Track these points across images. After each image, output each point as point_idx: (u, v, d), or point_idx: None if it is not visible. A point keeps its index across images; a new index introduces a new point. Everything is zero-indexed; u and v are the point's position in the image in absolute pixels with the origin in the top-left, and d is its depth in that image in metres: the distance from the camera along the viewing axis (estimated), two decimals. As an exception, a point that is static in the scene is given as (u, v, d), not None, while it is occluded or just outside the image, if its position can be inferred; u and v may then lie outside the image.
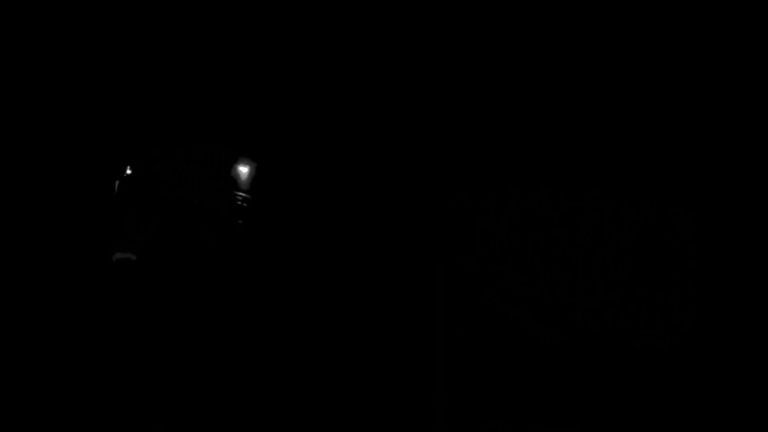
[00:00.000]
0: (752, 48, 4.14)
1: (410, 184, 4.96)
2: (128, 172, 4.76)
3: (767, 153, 4.05)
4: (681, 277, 4.23)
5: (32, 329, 4.11)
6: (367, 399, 4.17)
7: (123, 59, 4.96)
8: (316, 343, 4.58)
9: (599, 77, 4.59)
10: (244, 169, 5.74)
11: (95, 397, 3.75)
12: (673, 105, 4.37)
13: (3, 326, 4.05)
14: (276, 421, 3.93)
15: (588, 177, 4.54)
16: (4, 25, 4.37)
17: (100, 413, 3.65)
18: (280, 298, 4.99)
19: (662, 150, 4.37)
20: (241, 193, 5.70)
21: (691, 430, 3.95)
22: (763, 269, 4.01)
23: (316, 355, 4.49)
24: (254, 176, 5.75)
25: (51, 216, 4.40)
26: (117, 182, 4.70)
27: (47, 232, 4.42)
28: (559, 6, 4.69)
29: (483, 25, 4.90)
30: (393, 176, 5.01)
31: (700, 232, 4.20)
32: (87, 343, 4.18)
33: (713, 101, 4.25)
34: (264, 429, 3.86)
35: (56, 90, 4.50)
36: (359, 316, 4.75)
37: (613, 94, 4.55)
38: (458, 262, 4.73)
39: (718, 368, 4.04)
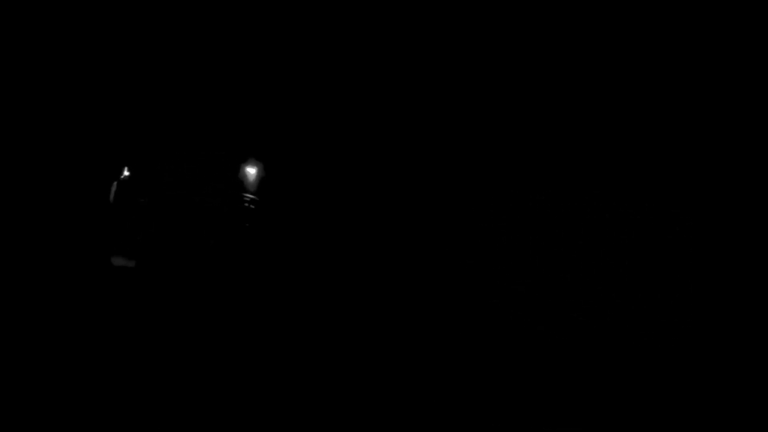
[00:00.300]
0: (752, 48, 4.13)
1: (411, 184, 4.97)
2: (126, 173, 4.76)
3: (767, 153, 4.05)
4: (681, 277, 4.22)
5: (31, 332, 4.13)
6: (367, 399, 4.19)
7: (127, 59, 4.98)
8: (317, 342, 4.60)
9: (599, 78, 4.59)
10: (251, 171, 5.76)
11: (96, 398, 3.78)
12: (673, 105, 4.37)
13: (2, 329, 4.08)
14: (276, 421, 3.95)
15: (588, 177, 4.54)
16: (4, 25, 4.39)
17: (102, 414, 3.68)
18: (282, 298, 5.01)
19: (662, 150, 4.36)
20: (248, 195, 5.72)
21: (691, 430, 3.95)
22: (763, 269, 4.00)
23: (318, 354, 4.51)
24: (262, 178, 5.77)
25: (47, 218, 4.41)
26: (114, 184, 4.70)
27: (43, 235, 4.43)
28: (559, 7, 4.69)
29: (484, 27, 4.91)
30: (394, 177, 5.02)
31: (700, 232, 4.20)
32: (87, 346, 4.20)
33: (713, 102, 4.25)
34: (264, 429, 3.88)
35: (54, 90, 4.51)
36: (360, 316, 4.77)
37: (613, 95, 4.55)
38: (458, 262, 4.74)
39: (718, 368, 4.03)
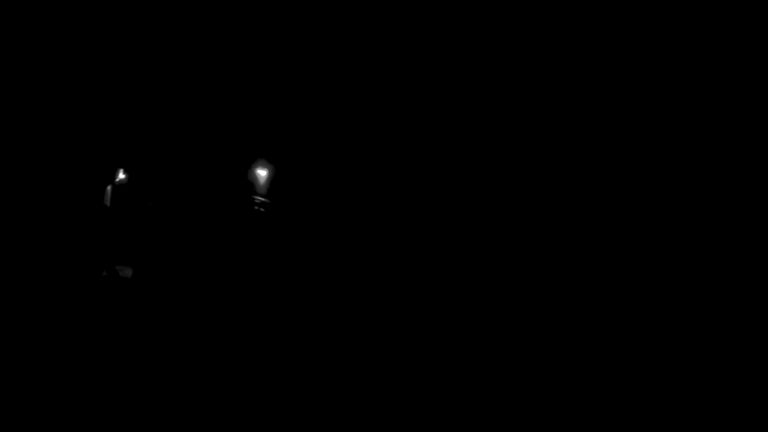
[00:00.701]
0: (752, 48, 4.08)
1: (412, 185, 5.02)
2: (121, 176, 4.83)
3: (767, 153, 3.99)
4: (681, 277, 4.19)
5: (30, 334, 4.20)
6: (368, 399, 4.24)
7: (140, 64, 5.10)
8: (317, 343, 4.67)
9: (599, 78, 4.58)
10: (262, 173, 5.84)
11: (98, 398, 3.86)
12: (673, 105, 4.34)
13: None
14: (276, 420, 4.02)
15: (588, 177, 4.53)
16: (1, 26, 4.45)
17: (107, 414, 3.77)
18: (281, 298, 5.09)
19: (662, 150, 4.33)
20: (258, 197, 5.80)
21: (691, 430, 3.91)
22: (763, 269, 3.94)
23: (318, 355, 4.58)
24: (272, 180, 5.85)
25: (40, 222, 4.46)
26: (109, 187, 4.76)
27: (40, 237, 4.47)
28: (559, 7, 4.69)
29: (486, 28, 4.93)
30: (395, 178, 5.08)
31: (700, 231, 4.16)
32: (87, 349, 4.29)
33: (713, 101, 4.21)
34: (265, 429, 3.94)
35: (54, 91, 4.58)
36: (360, 316, 4.83)
37: (613, 95, 4.53)
38: (458, 262, 4.78)
39: (719, 368, 3.98)
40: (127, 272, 4.80)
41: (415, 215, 5.02)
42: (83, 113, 4.69)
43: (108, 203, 4.77)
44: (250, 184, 5.84)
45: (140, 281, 4.89)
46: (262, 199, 5.79)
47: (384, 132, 5.25)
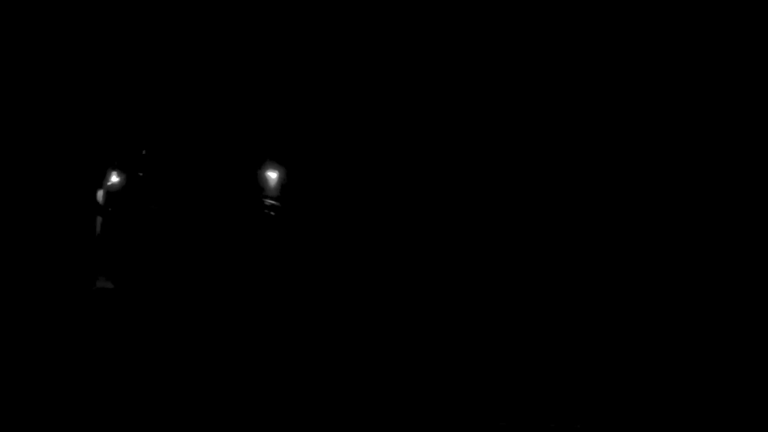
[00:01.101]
0: (752, 48, 4.07)
1: (413, 185, 5.07)
2: (114, 179, 4.86)
3: (767, 153, 3.96)
4: (681, 277, 4.17)
5: (28, 341, 4.26)
6: (368, 399, 4.27)
7: (147, 63, 5.23)
8: (316, 343, 4.73)
9: (599, 78, 4.60)
10: (272, 175, 5.91)
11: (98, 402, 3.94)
12: (673, 105, 4.34)
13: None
14: (275, 420, 4.07)
15: (588, 177, 4.55)
16: None
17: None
18: (294, 307, 5.16)
19: (661, 150, 4.33)
20: (269, 200, 5.86)
21: (691, 430, 3.88)
22: (763, 269, 3.91)
23: (318, 355, 4.64)
24: (283, 182, 5.91)
25: (31, 225, 4.43)
26: (101, 191, 4.72)
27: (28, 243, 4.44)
28: (559, 7, 4.73)
29: (488, 30, 4.98)
30: (396, 179, 5.14)
31: (700, 231, 4.14)
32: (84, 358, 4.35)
33: (713, 101, 4.20)
34: (264, 429, 3.98)
35: (55, 91, 4.65)
36: (360, 316, 4.88)
37: (613, 95, 4.54)
38: (458, 262, 4.81)
39: (718, 368, 3.95)
40: (126, 282, 4.79)
41: (437, 219, 5.04)
42: (78, 113, 4.74)
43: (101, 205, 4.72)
44: (260, 186, 5.88)
45: (141, 291, 4.87)
46: (273, 202, 5.83)
47: (404, 133, 5.30)
